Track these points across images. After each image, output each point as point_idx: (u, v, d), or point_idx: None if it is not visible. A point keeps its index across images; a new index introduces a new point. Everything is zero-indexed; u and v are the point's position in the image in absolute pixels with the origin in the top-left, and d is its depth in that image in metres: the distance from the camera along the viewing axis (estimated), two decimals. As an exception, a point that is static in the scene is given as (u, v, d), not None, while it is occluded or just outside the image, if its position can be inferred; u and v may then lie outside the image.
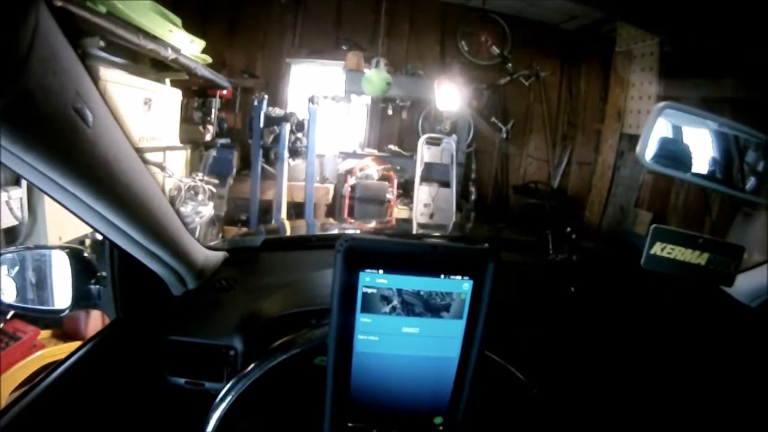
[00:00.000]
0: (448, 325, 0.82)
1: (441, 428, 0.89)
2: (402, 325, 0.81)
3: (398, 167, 6.33)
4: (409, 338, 0.82)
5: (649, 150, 1.24)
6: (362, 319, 0.79)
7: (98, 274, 1.11)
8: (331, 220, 5.53)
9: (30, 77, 0.51)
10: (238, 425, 1.06)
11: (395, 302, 0.79)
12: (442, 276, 0.78)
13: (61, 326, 2.78)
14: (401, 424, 0.89)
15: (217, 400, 0.94)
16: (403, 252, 0.78)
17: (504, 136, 6.91)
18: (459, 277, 0.79)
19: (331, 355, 0.82)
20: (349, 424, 0.88)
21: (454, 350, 0.83)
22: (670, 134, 1.26)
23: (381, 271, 0.77)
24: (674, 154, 1.26)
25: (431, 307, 0.80)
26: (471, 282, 0.79)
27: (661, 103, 1.21)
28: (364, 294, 0.78)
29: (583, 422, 1.15)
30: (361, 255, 0.76)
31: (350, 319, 0.79)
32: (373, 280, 0.77)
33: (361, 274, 0.77)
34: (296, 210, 5.77)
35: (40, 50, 0.51)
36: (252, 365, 0.96)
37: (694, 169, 1.28)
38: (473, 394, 0.86)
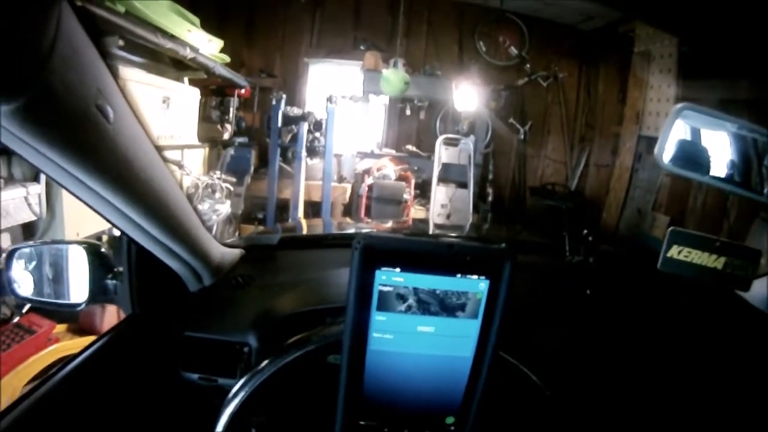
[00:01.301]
0: (463, 325, 0.81)
1: (453, 428, 0.88)
2: (417, 324, 0.80)
3: (415, 167, 6.33)
4: (423, 337, 0.81)
5: (667, 151, 1.23)
6: (377, 317, 0.79)
7: (115, 270, 1.12)
8: (348, 219, 5.55)
9: (52, 74, 0.51)
10: (250, 421, 1.07)
11: (411, 301, 0.78)
12: (459, 275, 0.78)
13: (76, 321, 2.80)
14: (413, 423, 0.88)
15: (230, 395, 0.94)
16: (419, 250, 0.77)
17: (522, 137, 6.86)
18: (475, 277, 0.78)
19: (345, 353, 0.81)
20: (361, 422, 0.87)
21: (469, 350, 0.83)
22: (688, 135, 1.25)
23: (397, 270, 0.76)
24: (692, 155, 1.25)
25: (447, 306, 0.79)
26: (487, 282, 0.78)
27: (680, 104, 1.20)
28: (380, 292, 0.77)
29: (596, 426, 1.14)
30: (377, 253, 0.75)
31: (365, 316, 0.79)
32: (389, 279, 0.77)
33: (378, 272, 0.76)
34: (313, 209, 5.81)
35: (62, 48, 0.52)
36: (266, 361, 0.96)
37: (712, 172, 1.26)
38: (486, 395, 0.86)
